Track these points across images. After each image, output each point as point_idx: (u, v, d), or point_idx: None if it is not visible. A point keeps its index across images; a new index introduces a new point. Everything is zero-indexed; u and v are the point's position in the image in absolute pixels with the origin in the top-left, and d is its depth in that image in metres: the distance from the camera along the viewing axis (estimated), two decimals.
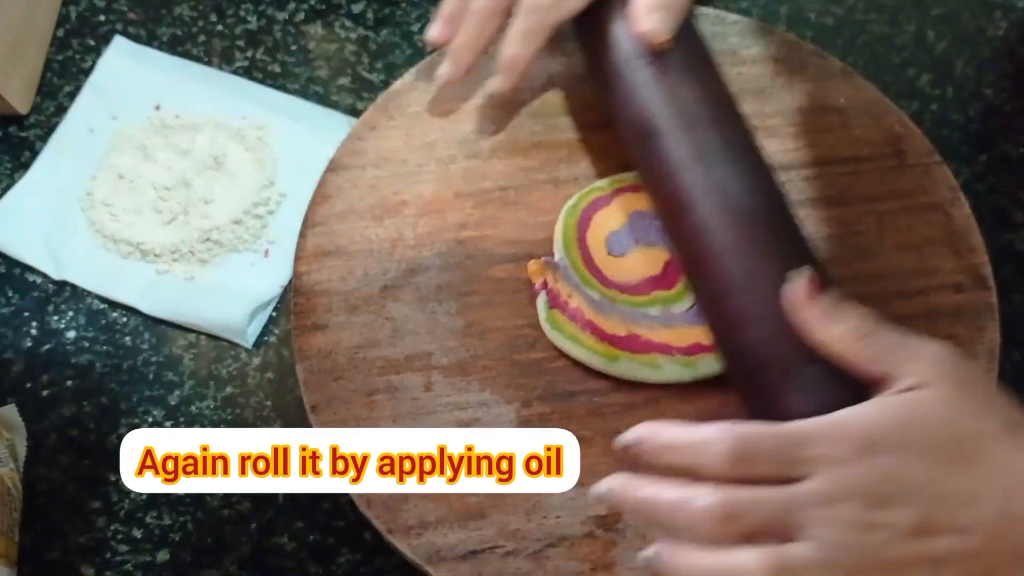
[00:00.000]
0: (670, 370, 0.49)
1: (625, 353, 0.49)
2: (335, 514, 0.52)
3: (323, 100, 0.63)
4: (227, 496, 0.53)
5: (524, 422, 0.49)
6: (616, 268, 0.51)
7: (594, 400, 0.49)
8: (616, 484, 0.40)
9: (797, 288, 0.42)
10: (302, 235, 0.53)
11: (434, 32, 0.54)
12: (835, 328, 0.41)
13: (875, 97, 0.57)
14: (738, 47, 0.59)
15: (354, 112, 0.62)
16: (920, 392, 0.39)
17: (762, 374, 0.43)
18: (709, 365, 0.48)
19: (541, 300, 0.50)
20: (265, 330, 0.57)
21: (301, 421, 0.51)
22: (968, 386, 0.39)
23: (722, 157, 0.46)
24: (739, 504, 0.37)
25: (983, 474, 0.37)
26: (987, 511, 0.37)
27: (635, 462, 0.40)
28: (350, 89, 0.64)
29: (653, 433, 0.40)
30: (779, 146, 0.56)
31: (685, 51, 0.49)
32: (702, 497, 0.37)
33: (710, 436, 0.38)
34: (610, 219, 0.53)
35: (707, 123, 0.47)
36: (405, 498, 0.47)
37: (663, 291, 0.51)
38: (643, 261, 0.51)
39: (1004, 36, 0.67)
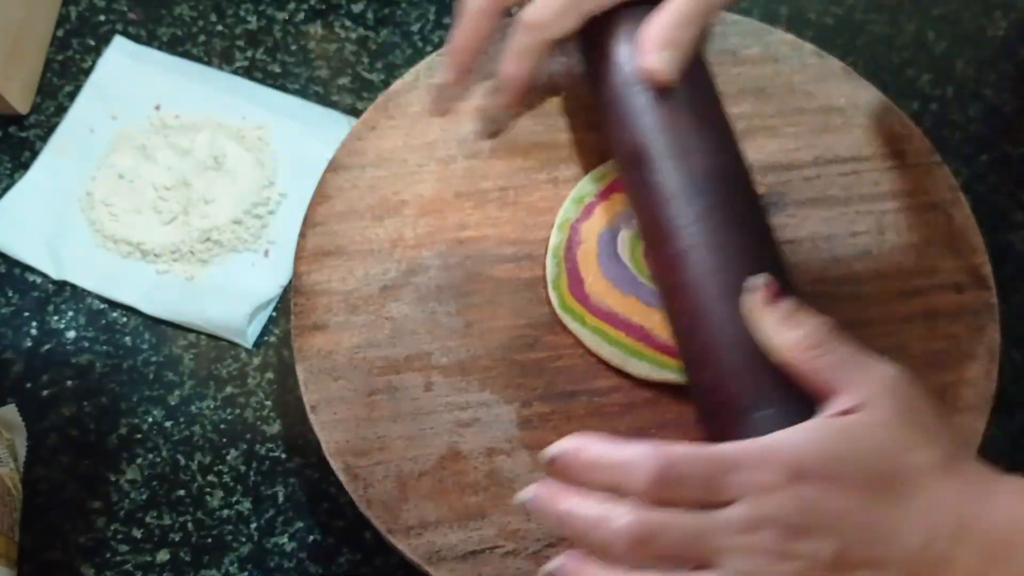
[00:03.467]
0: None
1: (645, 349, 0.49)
2: (335, 514, 0.52)
3: (323, 100, 0.63)
4: (227, 496, 0.53)
5: (524, 422, 0.49)
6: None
7: (594, 400, 0.49)
8: (540, 493, 0.39)
9: (753, 293, 0.42)
10: (302, 235, 0.53)
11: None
12: (788, 334, 0.40)
13: (875, 97, 0.57)
14: (738, 47, 0.59)
15: (354, 112, 0.62)
16: (857, 416, 0.38)
17: (716, 417, 0.43)
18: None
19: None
20: (265, 330, 0.57)
21: (301, 421, 0.51)
22: (909, 413, 0.38)
23: (711, 188, 0.45)
24: (654, 526, 0.36)
25: (909, 509, 0.36)
26: (906, 547, 0.36)
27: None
28: (350, 89, 0.64)
29: (579, 448, 0.39)
30: (779, 146, 0.56)
31: (688, 81, 0.48)
32: (619, 516, 0.37)
33: (636, 457, 0.37)
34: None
35: (701, 153, 0.46)
36: (405, 498, 0.47)
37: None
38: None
39: (1004, 36, 0.67)
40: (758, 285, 0.42)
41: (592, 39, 0.51)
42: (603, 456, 0.38)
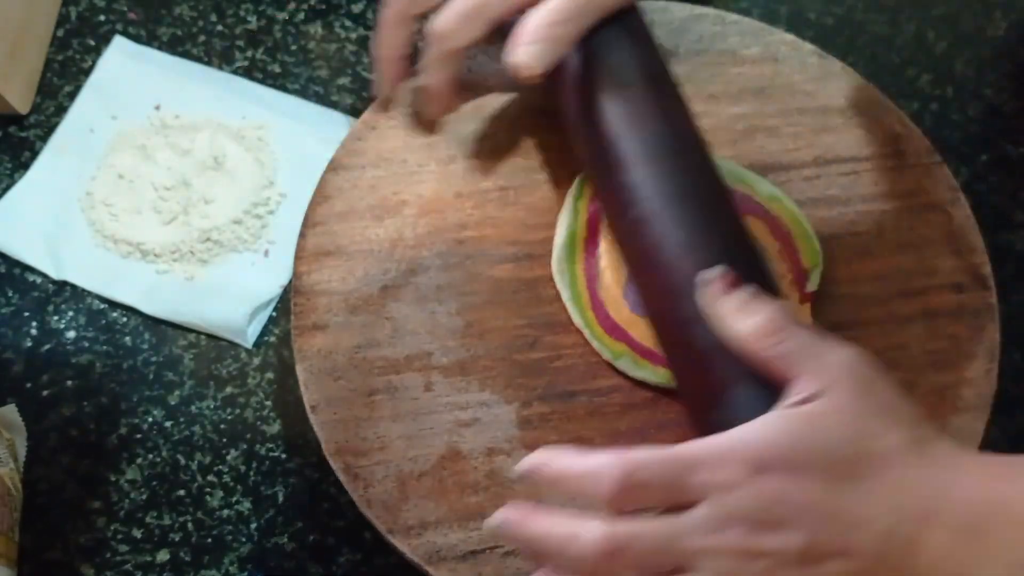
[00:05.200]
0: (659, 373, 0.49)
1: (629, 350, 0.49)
2: (335, 514, 0.52)
3: (323, 100, 0.63)
4: (227, 496, 0.53)
5: (524, 422, 0.49)
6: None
7: (594, 400, 0.49)
8: (509, 517, 0.39)
9: (710, 282, 0.41)
10: (302, 235, 0.53)
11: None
12: (746, 322, 0.40)
13: (875, 97, 0.57)
14: (738, 47, 0.59)
15: (354, 112, 0.62)
16: (817, 404, 0.37)
17: (693, 395, 0.43)
18: None
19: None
20: (265, 330, 0.57)
21: (301, 421, 0.51)
22: (870, 397, 0.38)
23: (665, 155, 0.46)
24: (624, 537, 0.36)
25: (874, 494, 0.36)
26: (874, 532, 0.36)
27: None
28: (350, 89, 0.64)
29: (546, 462, 0.39)
30: (779, 146, 0.56)
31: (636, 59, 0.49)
32: (588, 531, 0.36)
33: (600, 466, 0.37)
34: None
35: (652, 118, 0.47)
36: (405, 498, 0.47)
37: None
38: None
39: (1004, 36, 0.67)
40: (714, 276, 0.42)
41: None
42: (567, 468, 0.38)
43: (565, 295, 0.51)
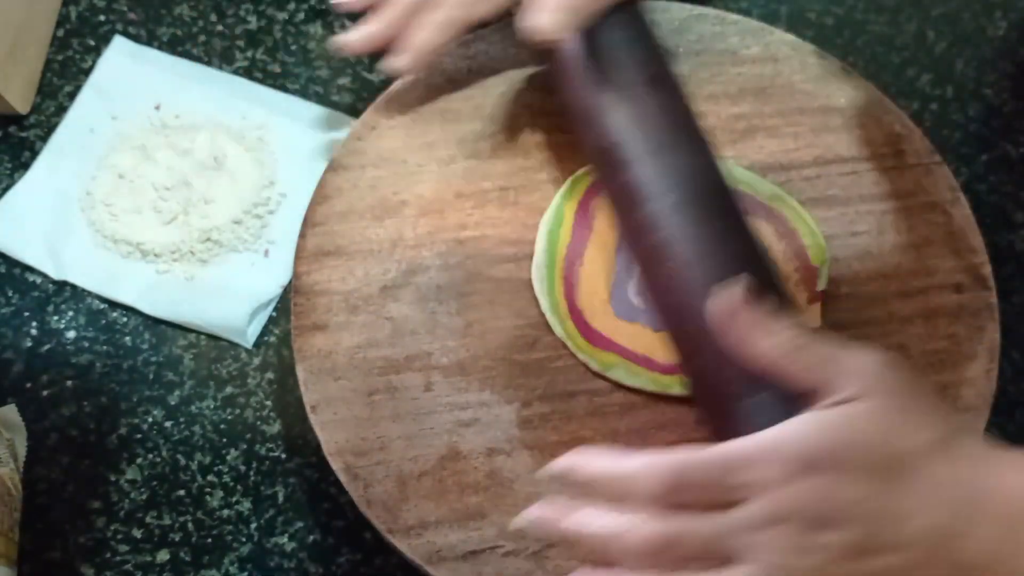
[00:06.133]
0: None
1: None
2: (335, 514, 0.52)
3: (323, 100, 0.63)
4: (227, 496, 0.53)
5: (524, 422, 0.49)
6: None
7: (594, 400, 0.49)
8: (544, 514, 0.39)
9: (726, 300, 0.41)
10: (302, 235, 0.53)
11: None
12: (768, 340, 0.40)
13: (875, 97, 0.57)
14: (738, 47, 0.59)
15: (354, 112, 0.62)
16: (854, 406, 0.38)
17: (710, 403, 0.43)
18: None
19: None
20: (265, 330, 0.57)
21: (301, 421, 0.51)
22: (903, 398, 0.38)
23: (684, 182, 0.46)
24: (672, 535, 0.37)
25: (918, 490, 0.37)
26: (923, 526, 0.36)
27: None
28: (350, 89, 0.64)
29: (582, 464, 0.39)
30: (779, 146, 0.56)
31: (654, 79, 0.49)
32: (636, 529, 0.37)
33: (641, 470, 0.38)
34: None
35: (672, 149, 0.47)
36: (405, 498, 0.47)
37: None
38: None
39: (1004, 36, 0.67)
40: (728, 293, 0.41)
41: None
42: (607, 470, 0.39)
43: (544, 304, 0.51)
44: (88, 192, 0.59)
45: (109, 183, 0.59)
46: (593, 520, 0.38)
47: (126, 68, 0.63)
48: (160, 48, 0.64)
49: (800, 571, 0.36)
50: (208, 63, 0.64)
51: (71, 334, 0.56)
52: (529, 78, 0.57)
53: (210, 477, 0.53)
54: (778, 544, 0.36)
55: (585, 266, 0.51)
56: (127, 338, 0.56)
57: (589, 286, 0.51)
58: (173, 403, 0.55)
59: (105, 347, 0.56)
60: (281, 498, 0.53)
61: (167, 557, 0.51)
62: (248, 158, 0.60)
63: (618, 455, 0.39)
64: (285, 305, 0.57)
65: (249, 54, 0.65)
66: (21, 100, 0.61)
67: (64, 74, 0.63)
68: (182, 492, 0.53)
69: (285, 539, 0.52)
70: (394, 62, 0.54)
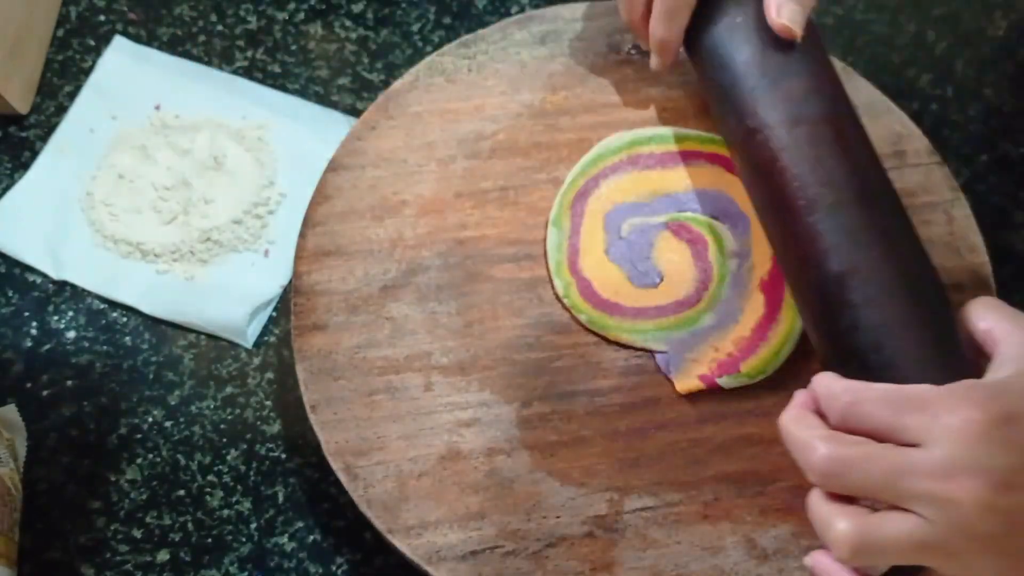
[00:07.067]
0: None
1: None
2: (335, 514, 0.52)
3: (323, 100, 0.63)
4: (227, 496, 0.53)
5: (524, 422, 0.49)
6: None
7: (594, 400, 0.49)
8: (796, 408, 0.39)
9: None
10: (302, 235, 0.53)
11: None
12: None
13: (875, 97, 0.57)
14: None
15: (354, 112, 0.62)
16: None
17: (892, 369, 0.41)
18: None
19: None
20: (265, 330, 0.57)
21: (301, 421, 0.51)
22: None
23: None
24: (850, 458, 0.35)
25: None
26: None
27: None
28: (350, 89, 0.64)
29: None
30: None
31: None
32: (819, 447, 0.36)
33: (829, 387, 0.38)
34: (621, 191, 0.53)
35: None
36: (405, 498, 0.47)
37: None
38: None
39: (1004, 36, 0.67)
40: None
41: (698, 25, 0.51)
42: (806, 393, 0.39)
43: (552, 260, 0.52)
44: (88, 192, 0.59)
45: (109, 183, 0.59)
46: (792, 430, 0.38)
47: (126, 68, 0.63)
48: (160, 48, 0.64)
49: (972, 534, 0.33)
50: (208, 63, 0.64)
51: (71, 334, 0.56)
52: (529, 78, 0.57)
53: (210, 477, 0.53)
54: (958, 499, 0.33)
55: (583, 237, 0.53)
56: (127, 338, 0.56)
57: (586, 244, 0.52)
58: (173, 403, 0.55)
59: (105, 347, 0.56)
60: (281, 498, 0.53)
61: (167, 557, 0.51)
62: (248, 158, 0.60)
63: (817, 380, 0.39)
64: (285, 305, 0.57)
65: (249, 54, 0.65)
66: (21, 100, 0.61)
67: (64, 74, 0.64)
68: (182, 492, 0.53)
69: (285, 539, 0.52)
70: (652, 64, 0.54)
